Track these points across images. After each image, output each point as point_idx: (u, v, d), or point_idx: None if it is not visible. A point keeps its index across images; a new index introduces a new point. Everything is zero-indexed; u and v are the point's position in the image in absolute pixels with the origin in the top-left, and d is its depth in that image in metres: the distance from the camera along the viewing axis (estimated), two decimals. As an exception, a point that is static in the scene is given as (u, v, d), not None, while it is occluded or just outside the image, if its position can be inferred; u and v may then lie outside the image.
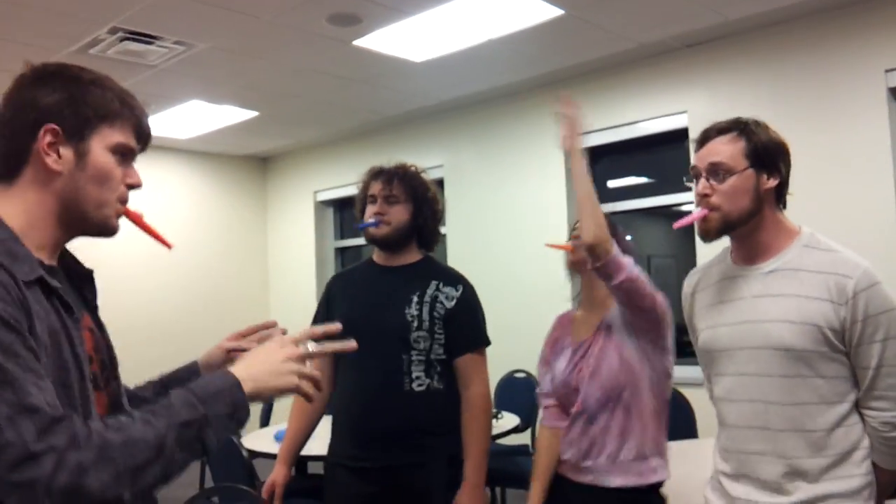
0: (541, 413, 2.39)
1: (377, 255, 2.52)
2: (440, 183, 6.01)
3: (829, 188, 3.93)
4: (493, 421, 3.97)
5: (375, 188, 2.42)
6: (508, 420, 4.12)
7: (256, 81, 5.09)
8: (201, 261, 7.16)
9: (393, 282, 2.42)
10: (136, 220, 1.33)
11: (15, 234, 1.14)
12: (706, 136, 1.79)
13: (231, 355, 1.55)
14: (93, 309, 1.29)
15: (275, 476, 2.49)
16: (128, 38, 4.15)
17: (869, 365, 1.63)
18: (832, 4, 4.00)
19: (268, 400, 1.21)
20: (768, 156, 1.73)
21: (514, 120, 5.57)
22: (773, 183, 1.73)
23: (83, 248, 1.33)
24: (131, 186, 1.27)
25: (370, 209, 2.42)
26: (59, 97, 1.18)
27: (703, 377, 1.97)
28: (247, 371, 1.18)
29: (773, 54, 4.29)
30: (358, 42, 4.31)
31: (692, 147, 1.83)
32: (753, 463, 1.70)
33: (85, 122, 1.19)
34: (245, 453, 3.24)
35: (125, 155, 1.24)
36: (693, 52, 4.62)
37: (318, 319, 2.53)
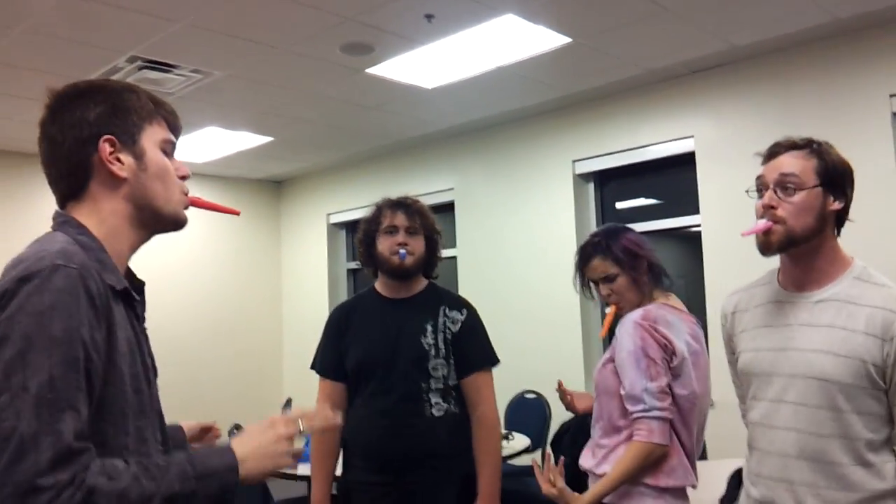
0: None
1: (383, 287, 2.57)
2: (451, 206, 6.09)
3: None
4: (504, 442, 4.03)
5: (398, 220, 2.48)
6: (519, 441, 4.16)
7: (271, 108, 5.20)
8: (216, 282, 7.26)
9: (406, 313, 2.49)
10: (201, 204, 1.39)
11: (102, 244, 1.20)
12: (776, 150, 1.75)
13: (204, 435, 1.58)
14: (140, 319, 1.33)
15: None
16: (146, 67, 4.26)
17: None
18: (837, 31, 4.06)
19: (257, 482, 1.25)
20: (838, 177, 1.70)
21: (523, 144, 5.65)
22: (837, 206, 1.70)
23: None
24: (184, 177, 1.33)
25: (391, 239, 2.47)
26: (103, 109, 1.23)
27: (738, 396, 1.95)
28: (244, 451, 1.19)
29: (778, 80, 4.35)
30: (371, 70, 4.40)
31: (760, 160, 1.80)
32: (782, 491, 1.68)
33: (133, 126, 1.26)
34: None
35: (170, 149, 1.31)
36: (699, 78, 4.69)
37: (326, 349, 2.58)
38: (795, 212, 1.67)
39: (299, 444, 1.26)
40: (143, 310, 1.33)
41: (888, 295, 1.64)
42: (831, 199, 1.69)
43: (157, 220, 1.29)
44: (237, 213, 1.51)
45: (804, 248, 1.69)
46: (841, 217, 1.73)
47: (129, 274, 1.32)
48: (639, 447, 2.07)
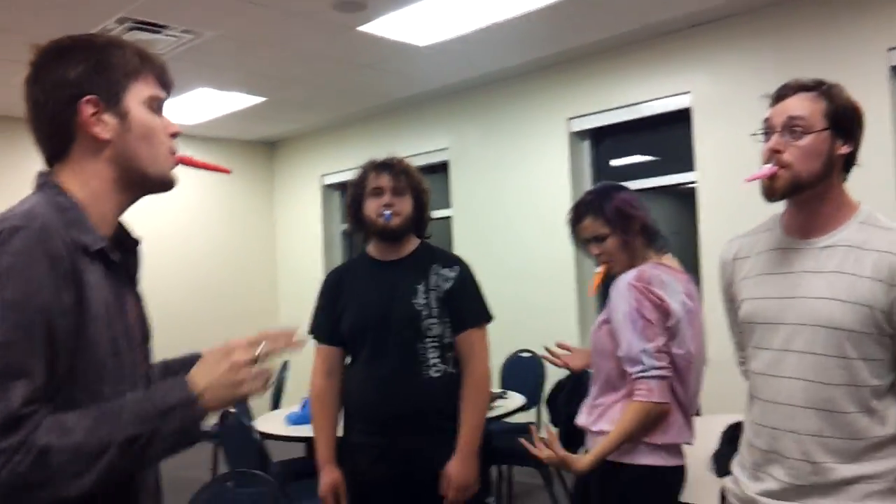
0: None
1: (375, 250, 2.56)
2: (445, 166, 6.06)
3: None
4: (500, 400, 4.07)
5: (382, 181, 2.46)
6: (514, 400, 4.19)
7: (263, 68, 5.14)
8: (209, 245, 7.25)
9: (397, 275, 2.48)
10: (190, 162, 1.34)
11: (79, 205, 1.17)
12: (784, 92, 1.69)
13: None
14: (133, 279, 1.30)
15: (331, 480, 2.46)
16: (136, 28, 4.20)
17: None
18: (834, -17, 4.02)
19: (221, 409, 1.20)
20: (847, 121, 1.66)
21: (518, 102, 5.60)
22: (846, 150, 1.66)
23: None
24: (174, 135, 1.28)
25: (377, 201, 2.45)
26: (84, 67, 1.18)
27: (735, 345, 1.93)
28: (201, 383, 1.14)
29: (775, 34, 4.31)
30: (363, 28, 4.34)
31: (768, 102, 1.74)
32: (788, 441, 1.66)
33: (117, 84, 1.20)
34: (257, 436, 3.33)
35: (158, 106, 1.26)
36: (697, 33, 4.63)
37: (321, 313, 2.58)
38: (802, 156, 1.62)
39: (265, 366, 1.21)
40: (136, 269, 1.31)
41: (894, 239, 1.60)
42: (839, 142, 1.65)
43: (143, 181, 1.25)
44: (228, 172, 1.47)
45: (809, 193, 1.65)
46: (849, 161, 1.69)
47: (123, 233, 1.29)
48: (639, 406, 2.09)
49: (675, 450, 2.19)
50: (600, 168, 5.36)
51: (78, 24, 4.08)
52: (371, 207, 2.47)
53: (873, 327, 1.58)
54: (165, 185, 1.27)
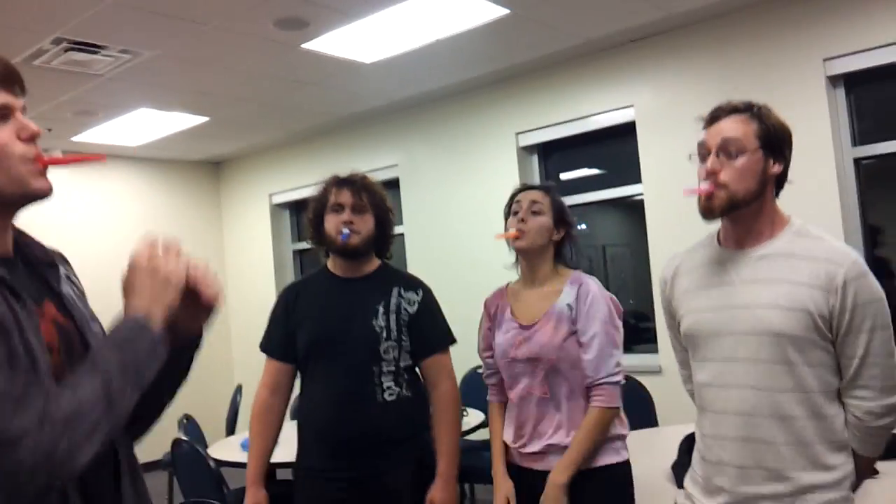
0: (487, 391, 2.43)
1: (335, 266, 2.51)
2: (395, 182, 6.03)
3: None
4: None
5: (343, 197, 2.41)
6: (474, 416, 4.16)
7: (206, 87, 5.05)
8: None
9: (357, 293, 2.44)
10: (58, 162, 1.24)
11: None
12: (717, 114, 1.75)
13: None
14: (57, 296, 1.23)
15: (254, 501, 2.41)
16: (73, 49, 4.09)
17: (855, 354, 1.63)
18: (770, -4, 4.11)
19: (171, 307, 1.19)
20: (778, 140, 1.72)
21: (465, 117, 5.61)
22: (777, 169, 1.72)
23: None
24: (31, 137, 1.15)
25: (336, 218, 2.41)
26: None
27: (679, 363, 1.97)
28: (141, 305, 1.15)
29: (715, 47, 4.40)
30: (306, 45, 4.30)
31: (701, 125, 1.80)
32: (740, 450, 1.68)
33: None
34: (212, 463, 3.24)
35: (2, 113, 1.13)
36: (638, 47, 4.70)
37: (274, 328, 2.53)
38: (738, 176, 1.67)
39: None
40: (58, 284, 1.24)
41: (828, 247, 1.66)
42: (772, 161, 1.71)
43: (4, 203, 1.14)
44: (103, 159, 1.39)
45: (745, 210, 1.71)
46: (780, 179, 1.75)
47: (37, 249, 1.24)
48: (601, 413, 2.15)
49: (623, 440, 2.26)
50: (551, 180, 5.39)
51: (11, 45, 3.96)
52: (331, 224, 2.42)
53: (815, 333, 1.62)
54: (34, 195, 1.16)
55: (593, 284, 2.25)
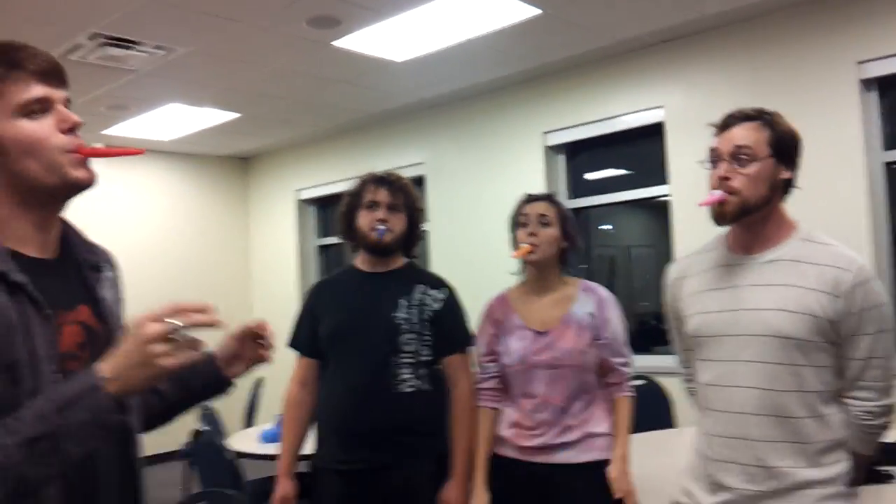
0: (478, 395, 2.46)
1: (362, 262, 2.55)
2: (421, 180, 6.06)
3: (803, 179, 3.99)
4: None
5: (380, 196, 2.46)
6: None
7: (237, 84, 5.11)
8: (184, 261, 7.17)
9: (380, 286, 2.48)
10: (99, 154, 1.22)
11: None
12: (729, 122, 1.81)
13: (237, 346, 1.41)
14: (95, 301, 1.22)
15: (283, 492, 2.46)
16: (108, 44, 4.16)
17: (858, 356, 1.69)
18: (803, -1, 4.09)
19: (142, 390, 1.07)
20: (788, 148, 1.78)
21: (494, 116, 5.62)
22: (787, 175, 1.78)
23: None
24: (70, 129, 1.16)
25: (371, 215, 2.45)
26: None
27: (681, 362, 2.03)
28: (112, 368, 1.03)
29: (747, 48, 4.37)
30: (338, 43, 4.34)
31: (713, 131, 1.87)
32: (741, 448, 1.74)
33: None
34: (230, 455, 3.28)
35: (41, 107, 1.14)
36: (669, 48, 4.69)
37: (301, 324, 2.57)
38: (750, 182, 1.73)
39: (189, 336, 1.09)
40: (98, 284, 1.24)
41: (835, 252, 1.72)
42: (782, 168, 1.76)
43: (46, 194, 1.15)
44: (141, 153, 1.35)
45: (755, 216, 1.76)
46: (789, 185, 1.81)
47: (86, 250, 1.24)
48: (629, 402, 2.37)
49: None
50: (575, 181, 5.39)
51: (50, 40, 4.03)
52: (365, 220, 2.46)
53: (819, 336, 1.68)
54: (74, 188, 1.16)
55: (604, 290, 2.42)
